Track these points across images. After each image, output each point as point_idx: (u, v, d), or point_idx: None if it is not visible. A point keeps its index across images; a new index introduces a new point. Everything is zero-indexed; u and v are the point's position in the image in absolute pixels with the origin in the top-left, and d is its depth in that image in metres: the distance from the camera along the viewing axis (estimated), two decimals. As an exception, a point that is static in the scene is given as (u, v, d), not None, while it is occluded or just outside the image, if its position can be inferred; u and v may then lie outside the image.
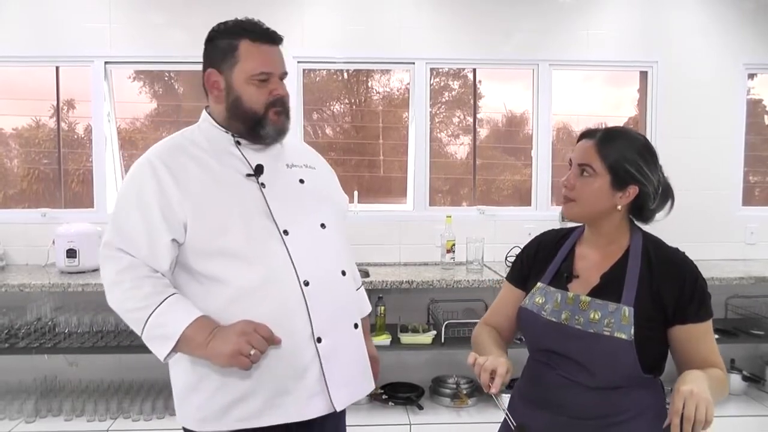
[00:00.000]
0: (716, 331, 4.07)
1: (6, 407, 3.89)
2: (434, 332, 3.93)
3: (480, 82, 4.79)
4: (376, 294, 4.08)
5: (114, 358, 4.12)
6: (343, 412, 1.92)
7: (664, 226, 4.93)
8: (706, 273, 3.93)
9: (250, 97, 1.78)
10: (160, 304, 1.68)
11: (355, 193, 4.31)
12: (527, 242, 1.91)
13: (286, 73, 1.84)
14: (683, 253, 1.71)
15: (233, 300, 1.72)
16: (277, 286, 1.73)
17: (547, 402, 1.68)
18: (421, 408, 3.96)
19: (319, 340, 1.77)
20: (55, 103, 4.57)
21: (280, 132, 1.85)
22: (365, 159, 4.77)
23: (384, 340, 3.88)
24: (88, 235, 4.01)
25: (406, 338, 3.92)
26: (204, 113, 1.90)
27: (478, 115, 4.83)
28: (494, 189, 4.74)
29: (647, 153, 1.68)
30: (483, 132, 4.90)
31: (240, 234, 1.74)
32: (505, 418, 1.64)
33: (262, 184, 1.79)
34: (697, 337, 1.60)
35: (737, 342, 4.25)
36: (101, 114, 4.41)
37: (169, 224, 1.72)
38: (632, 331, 1.57)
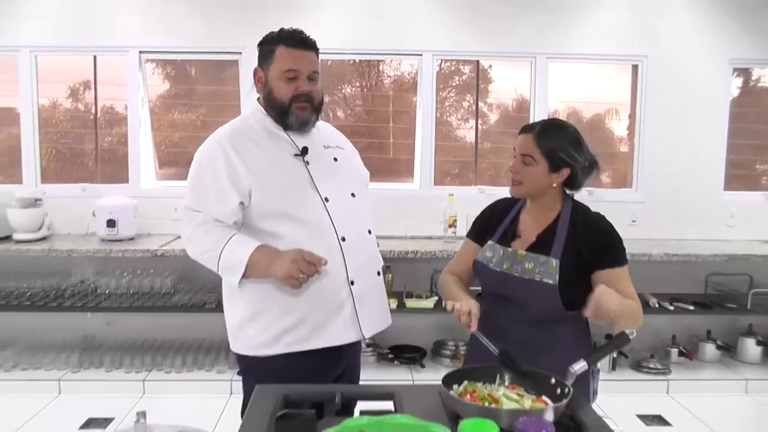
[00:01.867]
0: (694, 304, 4.56)
1: (54, 359, 4.37)
2: (436, 298, 4.38)
3: (490, 66, 5.16)
4: (384, 264, 4.52)
5: (148, 318, 4.56)
6: (359, 343, 2.36)
7: (652, 210, 5.37)
8: (686, 250, 4.36)
9: (279, 90, 2.17)
10: (228, 241, 2.09)
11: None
12: (484, 207, 2.34)
13: (316, 72, 2.24)
14: (603, 216, 2.12)
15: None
16: (321, 240, 2.14)
17: (498, 333, 2.06)
18: (423, 366, 4.44)
19: (352, 283, 2.18)
20: (71, 86, 5.03)
21: (303, 123, 2.22)
22: (375, 142, 5.17)
23: (391, 304, 4.31)
24: (125, 207, 4.47)
25: (410, 303, 4.37)
26: (256, 103, 2.32)
27: (488, 100, 5.23)
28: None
29: (575, 141, 2.08)
30: (492, 117, 5.28)
31: (293, 200, 2.15)
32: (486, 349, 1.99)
33: (307, 162, 2.20)
34: (615, 279, 2.00)
35: (713, 314, 4.68)
36: (136, 99, 4.85)
37: (237, 190, 2.10)
38: (557, 277, 2.00)
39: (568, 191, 2.16)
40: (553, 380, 1.77)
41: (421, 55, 4.86)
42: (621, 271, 2.04)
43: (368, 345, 4.55)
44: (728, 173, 5.11)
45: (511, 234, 2.17)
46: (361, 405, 1.71)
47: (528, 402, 1.70)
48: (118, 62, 4.91)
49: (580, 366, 1.77)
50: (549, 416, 1.59)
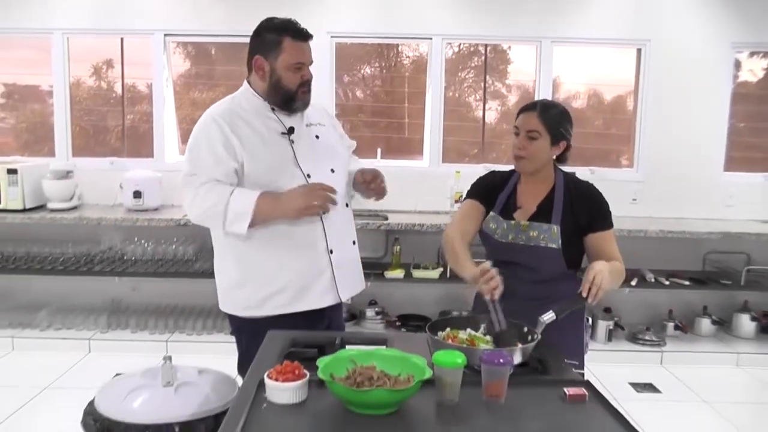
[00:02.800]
0: (691, 280, 4.76)
1: (84, 320, 4.71)
2: (441, 269, 4.63)
3: (509, 48, 5.36)
4: (393, 235, 4.80)
5: (171, 284, 4.85)
6: (341, 305, 2.57)
7: (653, 189, 5.54)
8: (684, 228, 4.52)
9: (288, 79, 2.33)
10: (232, 193, 2.27)
11: (378, 150, 4.98)
12: (483, 175, 2.55)
13: (312, 62, 2.39)
14: (592, 184, 2.39)
15: (272, 223, 2.32)
16: None
17: (508, 295, 2.21)
18: (428, 334, 4.68)
19: (331, 252, 2.40)
20: (94, 65, 5.32)
21: (306, 104, 2.42)
22: (394, 121, 5.40)
23: (398, 274, 4.60)
24: (151, 180, 4.76)
25: (417, 273, 4.63)
26: (245, 84, 2.44)
27: (507, 81, 5.45)
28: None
29: (568, 117, 2.35)
30: (512, 98, 5.47)
31: (278, 176, 2.32)
32: (490, 319, 2.10)
33: (292, 141, 2.38)
34: (605, 241, 2.29)
35: (708, 290, 4.89)
36: (161, 79, 5.13)
37: (232, 157, 2.28)
38: (560, 242, 2.27)
39: (558, 164, 2.41)
40: (525, 329, 2.01)
41: (431, 39, 5.08)
42: (610, 233, 2.32)
43: (377, 313, 4.81)
44: (738, 155, 5.30)
45: (512, 206, 2.40)
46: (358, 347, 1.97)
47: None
48: (141, 43, 5.19)
49: (548, 316, 2.01)
50: (517, 356, 1.84)
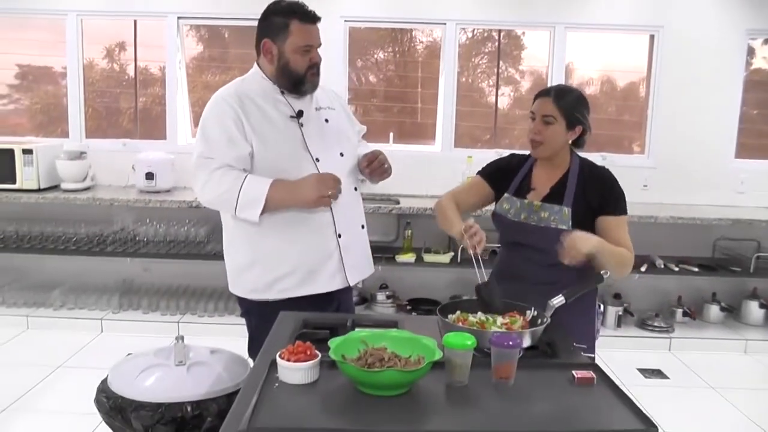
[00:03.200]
0: (700, 266, 4.76)
1: (97, 301, 4.77)
2: (452, 253, 4.65)
3: (523, 34, 5.34)
4: (404, 219, 4.82)
5: (182, 265, 4.89)
6: (350, 289, 2.59)
7: (664, 175, 5.52)
8: (695, 215, 4.55)
9: (296, 62, 2.33)
10: (245, 179, 2.27)
11: (391, 135, 4.99)
12: (502, 156, 2.58)
13: (321, 44, 2.38)
14: (608, 170, 2.38)
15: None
16: None
17: (514, 275, 2.35)
18: (438, 317, 4.71)
19: (339, 235, 2.41)
20: (107, 47, 5.35)
21: (314, 86, 2.41)
22: (407, 106, 5.39)
23: (410, 258, 4.62)
24: (163, 162, 4.79)
25: (428, 257, 4.66)
26: (255, 67, 2.45)
27: (520, 67, 5.44)
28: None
29: (584, 101, 2.35)
30: (525, 84, 5.46)
31: (287, 159, 2.34)
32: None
33: (301, 124, 2.38)
34: (615, 225, 2.28)
35: (717, 276, 4.89)
36: (174, 61, 5.15)
37: (244, 138, 2.29)
38: (570, 224, 2.27)
39: (574, 149, 2.41)
40: (535, 312, 2.03)
41: (444, 24, 5.06)
42: (621, 219, 2.30)
43: (388, 297, 4.84)
44: (750, 142, 5.29)
45: (526, 188, 2.42)
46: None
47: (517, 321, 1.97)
48: (153, 25, 5.21)
49: (558, 300, 2.02)
50: (526, 339, 1.86)
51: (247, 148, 2.31)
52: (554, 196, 2.34)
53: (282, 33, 2.32)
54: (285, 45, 2.33)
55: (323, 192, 2.27)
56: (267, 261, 2.38)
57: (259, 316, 2.39)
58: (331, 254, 2.42)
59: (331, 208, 2.38)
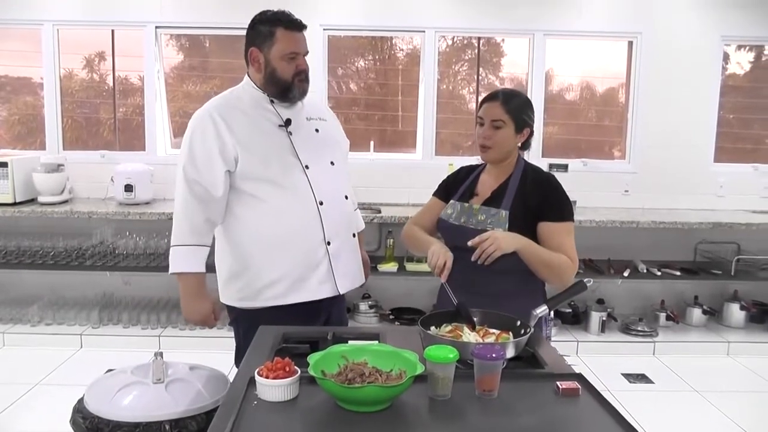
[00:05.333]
0: (682, 270, 4.77)
1: (76, 315, 4.69)
2: (434, 262, 4.62)
3: (503, 41, 5.36)
4: (386, 228, 4.80)
5: (163, 278, 4.78)
6: (343, 298, 2.61)
7: (644, 180, 5.56)
8: (676, 219, 4.56)
9: (282, 69, 2.36)
10: (186, 245, 2.37)
11: (371, 143, 4.98)
12: (451, 172, 2.59)
13: (308, 52, 2.43)
14: (554, 176, 2.37)
15: (268, 213, 2.36)
16: (301, 204, 2.37)
17: (468, 285, 2.27)
18: (421, 326, 4.68)
19: (329, 243, 2.41)
20: (86, 56, 5.28)
21: (303, 93, 2.44)
22: (388, 114, 5.38)
23: (392, 267, 4.60)
24: (142, 173, 4.74)
25: (410, 266, 4.63)
26: (246, 78, 2.49)
27: (500, 74, 5.45)
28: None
29: (530, 104, 2.36)
30: None
31: (276, 167, 2.35)
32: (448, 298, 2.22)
33: (290, 133, 2.41)
34: (556, 232, 2.25)
35: (699, 280, 4.92)
36: (152, 72, 5.10)
37: (224, 159, 2.31)
38: (506, 227, 2.24)
39: (520, 153, 2.41)
40: (518, 322, 2.01)
41: (423, 31, 5.06)
42: (563, 226, 2.27)
43: (371, 307, 4.81)
44: (728, 146, 5.35)
45: (469, 193, 2.42)
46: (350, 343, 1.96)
47: (492, 337, 1.95)
48: (132, 35, 5.15)
49: (541, 309, 2.01)
50: (510, 350, 1.84)
51: (224, 167, 2.33)
52: (495, 199, 2.33)
53: (268, 41, 2.36)
54: (271, 52, 2.36)
55: (196, 323, 2.52)
56: (255, 269, 2.39)
57: (248, 324, 2.38)
58: (320, 262, 2.42)
59: (320, 215, 2.39)
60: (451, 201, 2.44)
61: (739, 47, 5.37)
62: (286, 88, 2.39)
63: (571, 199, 2.35)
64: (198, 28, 5.14)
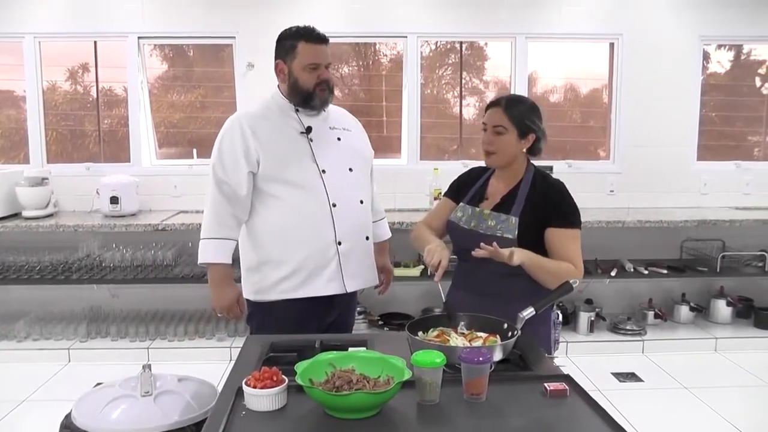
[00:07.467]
0: (669, 268, 4.80)
1: (63, 330, 4.66)
2: (422, 266, 4.64)
3: (486, 44, 5.38)
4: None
5: (150, 290, 4.82)
6: (354, 296, 2.76)
7: (629, 180, 5.61)
8: (661, 218, 4.60)
9: (304, 79, 2.55)
10: (216, 238, 2.55)
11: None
12: (463, 172, 2.63)
13: (330, 63, 2.61)
14: (563, 183, 2.40)
15: (285, 211, 2.55)
16: (314, 204, 2.54)
17: (467, 285, 2.37)
18: (411, 331, 4.69)
19: (339, 243, 2.57)
20: (70, 68, 5.26)
21: (324, 103, 2.62)
22: (372, 120, 5.39)
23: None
24: (128, 185, 4.72)
25: (398, 271, 4.60)
26: (276, 88, 2.68)
27: (484, 77, 5.47)
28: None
29: (536, 110, 2.38)
30: (489, 94, 5.43)
31: (294, 169, 2.55)
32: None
33: (311, 139, 2.58)
34: (563, 238, 2.29)
35: (685, 277, 4.96)
36: (136, 82, 5.08)
37: (248, 161, 2.52)
38: (516, 233, 2.27)
39: (530, 159, 2.43)
40: (505, 325, 2.02)
41: (406, 37, 5.08)
42: (570, 232, 2.30)
43: (360, 312, 4.80)
44: (710, 144, 5.41)
45: (479, 196, 2.45)
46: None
47: (480, 341, 1.96)
48: (115, 46, 5.13)
49: (528, 312, 2.02)
50: (497, 353, 1.85)
51: (247, 168, 2.53)
52: (504, 205, 2.36)
53: (291, 53, 2.56)
54: (293, 64, 2.56)
55: (221, 312, 2.64)
56: (272, 263, 2.58)
57: (261, 318, 2.63)
58: (330, 260, 2.58)
59: (332, 217, 2.55)
60: (461, 204, 2.48)
61: (719, 46, 5.43)
62: (307, 96, 2.57)
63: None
64: (181, 38, 5.13)
